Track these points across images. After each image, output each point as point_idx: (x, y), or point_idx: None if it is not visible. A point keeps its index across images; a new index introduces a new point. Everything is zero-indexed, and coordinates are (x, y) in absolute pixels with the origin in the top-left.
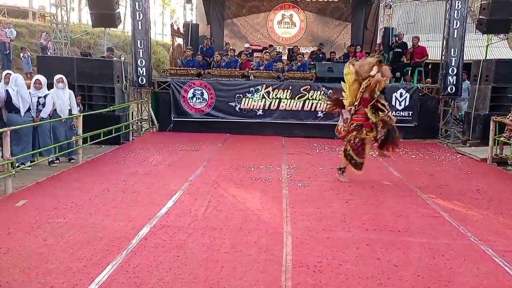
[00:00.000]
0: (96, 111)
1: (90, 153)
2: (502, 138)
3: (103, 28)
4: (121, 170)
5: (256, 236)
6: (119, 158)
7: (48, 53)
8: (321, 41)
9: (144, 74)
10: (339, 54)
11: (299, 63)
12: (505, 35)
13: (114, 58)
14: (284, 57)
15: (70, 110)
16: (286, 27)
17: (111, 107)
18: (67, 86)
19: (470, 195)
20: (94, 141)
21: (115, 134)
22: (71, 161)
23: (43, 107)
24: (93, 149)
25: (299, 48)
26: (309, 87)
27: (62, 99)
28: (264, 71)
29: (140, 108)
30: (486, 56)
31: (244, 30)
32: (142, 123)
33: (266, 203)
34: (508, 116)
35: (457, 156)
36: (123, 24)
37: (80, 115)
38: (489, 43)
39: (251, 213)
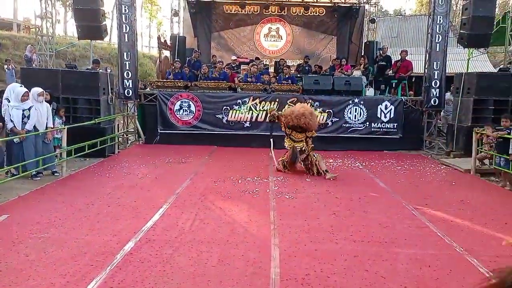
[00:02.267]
0: (81, 124)
1: (74, 166)
2: (486, 150)
3: (89, 40)
4: (106, 183)
5: (244, 249)
6: (104, 171)
7: (33, 65)
8: (307, 54)
9: (131, 86)
10: (325, 67)
11: (286, 76)
12: (485, 49)
13: (100, 70)
14: (271, 70)
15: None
16: (273, 40)
17: (96, 119)
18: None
19: (455, 206)
20: (78, 154)
21: (100, 147)
22: (55, 174)
23: (28, 119)
24: (78, 162)
25: (285, 61)
26: (296, 99)
27: (41, 112)
28: (252, 83)
29: (126, 121)
30: (467, 69)
31: (231, 42)
32: (128, 135)
33: (254, 216)
34: (492, 131)
35: (441, 167)
36: (110, 36)
37: (64, 128)
38: (470, 56)
39: (239, 226)
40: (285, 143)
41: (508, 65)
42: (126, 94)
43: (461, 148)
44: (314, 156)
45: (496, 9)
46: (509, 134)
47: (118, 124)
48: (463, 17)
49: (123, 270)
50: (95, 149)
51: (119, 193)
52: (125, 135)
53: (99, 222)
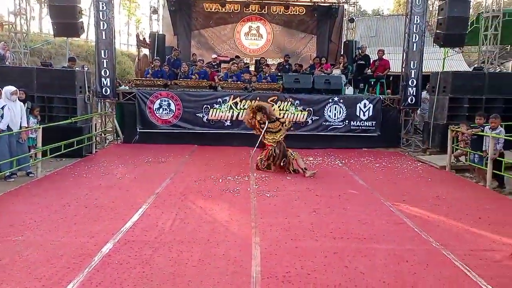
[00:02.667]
0: (57, 123)
1: (50, 167)
2: (461, 147)
3: (65, 38)
4: (83, 184)
5: (225, 248)
6: (81, 171)
7: (7, 63)
8: (288, 53)
9: (108, 84)
10: (305, 66)
11: (266, 74)
12: (460, 49)
13: (76, 68)
14: (252, 68)
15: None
16: (253, 39)
17: (72, 118)
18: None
19: (431, 202)
20: (54, 154)
21: (77, 147)
22: (30, 175)
23: (1, 119)
24: (54, 163)
25: (266, 60)
26: (276, 98)
27: (14, 111)
28: (232, 82)
29: (104, 120)
30: (443, 68)
31: (212, 41)
32: (106, 135)
33: (235, 215)
34: (466, 128)
35: (418, 164)
36: (87, 33)
37: (39, 127)
38: (446, 56)
39: (219, 225)
40: (266, 140)
41: (482, 65)
42: (104, 93)
43: (437, 145)
44: (291, 154)
45: (470, 10)
46: (482, 131)
47: (95, 123)
48: (439, 17)
49: (101, 272)
50: (71, 149)
51: (96, 194)
52: (103, 135)
53: (76, 223)
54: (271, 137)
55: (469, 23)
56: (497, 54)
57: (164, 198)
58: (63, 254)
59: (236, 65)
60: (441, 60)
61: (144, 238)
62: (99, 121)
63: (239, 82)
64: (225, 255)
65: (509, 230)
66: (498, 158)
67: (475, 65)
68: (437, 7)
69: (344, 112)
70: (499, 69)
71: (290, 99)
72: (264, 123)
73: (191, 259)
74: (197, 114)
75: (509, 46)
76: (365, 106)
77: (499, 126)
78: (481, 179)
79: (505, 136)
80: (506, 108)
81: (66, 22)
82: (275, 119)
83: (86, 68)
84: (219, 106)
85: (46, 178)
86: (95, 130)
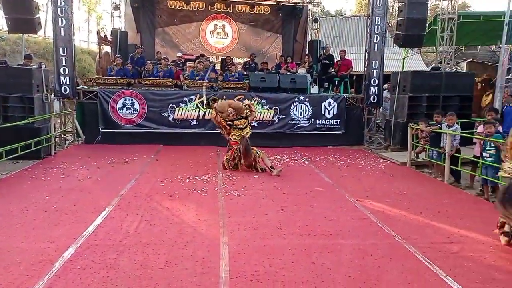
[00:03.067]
0: (13, 123)
1: (6, 170)
2: (421, 144)
3: (21, 34)
4: (42, 187)
5: (192, 249)
6: (39, 174)
7: None
8: (254, 51)
9: (68, 83)
10: (271, 65)
11: (232, 73)
12: (419, 49)
13: (33, 66)
14: (217, 67)
15: None
16: (219, 37)
17: (29, 118)
18: None
19: (393, 197)
20: (10, 156)
21: (35, 148)
22: None
23: None
24: (10, 165)
25: (232, 59)
26: (243, 96)
27: None
28: (198, 80)
29: (63, 120)
30: (403, 68)
31: (176, 39)
32: (66, 135)
33: (202, 215)
34: (425, 125)
35: (381, 161)
36: (44, 30)
37: None
38: (406, 56)
39: (187, 226)
40: (232, 137)
41: (439, 64)
42: (63, 92)
43: (398, 143)
44: (257, 153)
45: (428, 12)
46: (440, 128)
47: (54, 124)
48: (398, 19)
49: (62, 279)
50: (28, 150)
51: (56, 197)
52: (62, 135)
53: (35, 228)
54: (237, 133)
55: (427, 25)
56: (453, 54)
57: (129, 200)
58: (22, 261)
59: (202, 64)
60: (401, 60)
61: (108, 242)
62: (58, 121)
63: (205, 81)
64: (193, 256)
65: (466, 222)
66: (455, 154)
67: (433, 65)
68: (397, 9)
69: (310, 111)
70: (455, 69)
71: (257, 98)
72: (232, 121)
73: (157, 262)
74: (163, 114)
75: (464, 47)
76: (330, 105)
77: (455, 124)
78: (439, 174)
79: (461, 133)
80: (462, 106)
81: (22, 17)
82: (241, 117)
83: (44, 66)
84: (185, 105)
85: (2, 181)
86: (54, 131)
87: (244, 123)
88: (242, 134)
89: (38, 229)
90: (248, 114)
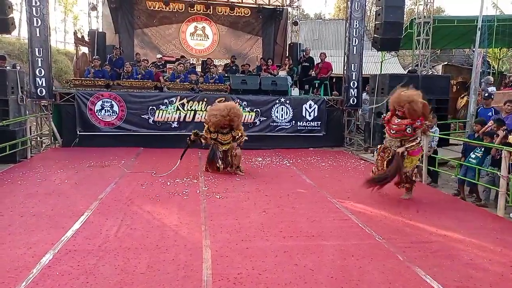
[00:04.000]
0: None
1: None
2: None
3: None
4: (18, 192)
5: (174, 253)
6: (15, 178)
7: None
8: (234, 54)
9: (44, 85)
10: (251, 67)
11: (213, 75)
12: (396, 53)
13: (7, 68)
14: (198, 69)
15: None
16: (199, 39)
17: (4, 121)
18: None
19: (373, 198)
20: None
21: (10, 152)
22: None
23: None
24: None
25: (212, 60)
26: (224, 99)
27: None
28: (179, 82)
29: (40, 122)
30: (381, 71)
31: (156, 40)
32: (43, 138)
33: (184, 218)
34: None
35: (361, 162)
36: (18, 30)
37: None
38: (383, 59)
39: (169, 229)
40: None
41: (416, 67)
42: (39, 94)
43: (378, 144)
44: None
45: (404, 16)
46: None
47: (30, 126)
48: (376, 22)
49: (40, 285)
50: (3, 154)
51: (33, 202)
52: (38, 138)
53: (11, 234)
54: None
55: (404, 29)
56: (429, 57)
57: (108, 203)
58: None
59: (182, 65)
60: (378, 63)
61: (87, 247)
62: (34, 123)
63: (186, 83)
64: (175, 260)
65: (444, 222)
66: (432, 155)
67: (410, 68)
68: (374, 13)
69: (291, 113)
70: (431, 72)
71: (238, 100)
72: (216, 133)
73: (138, 266)
74: (143, 116)
75: (439, 50)
76: (310, 107)
77: (435, 125)
78: (417, 174)
79: (439, 135)
80: (438, 108)
81: None
82: (226, 132)
83: (18, 67)
84: (165, 108)
85: None
86: (30, 134)
87: (229, 139)
88: (222, 148)
89: (14, 234)
90: (237, 137)
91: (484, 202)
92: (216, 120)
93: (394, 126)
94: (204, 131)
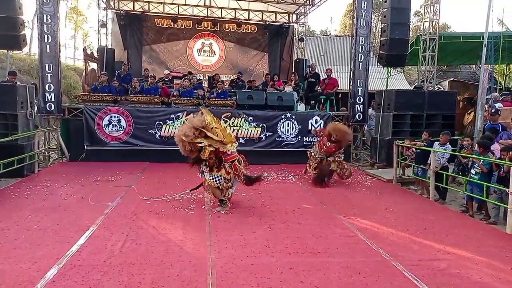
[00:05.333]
0: None
1: None
2: (408, 161)
3: (6, 51)
4: (25, 206)
5: (179, 268)
6: (22, 192)
7: None
8: (240, 69)
9: (53, 100)
10: (257, 83)
11: (219, 91)
12: (402, 68)
13: (18, 83)
14: (205, 85)
15: None
16: (206, 55)
17: (13, 135)
18: None
19: (380, 214)
20: None
21: (18, 166)
22: None
23: None
24: None
25: (219, 76)
26: (230, 114)
27: None
28: (185, 97)
29: (48, 137)
30: (387, 87)
31: (164, 56)
32: (50, 152)
33: (189, 233)
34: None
35: (367, 178)
36: (29, 46)
37: None
38: (389, 75)
39: (173, 245)
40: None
41: (422, 83)
42: (48, 109)
43: (384, 160)
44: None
45: (410, 33)
46: (426, 146)
47: (38, 141)
48: (381, 39)
49: None
50: (11, 168)
51: (39, 216)
52: (46, 153)
53: (16, 248)
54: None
55: (409, 45)
56: (435, 73)
57: (114, 218)
58: (2, 283)
59: (189, 81)
60: (384, 79)
61: (92, 262)
62: (42, 138)
63: (192, 98)
64: (179, 276)
65: (451, 239)
66: (440, 171)
67: (416, 84)
68: (380, 29)
69: (297, 128)
70: (437, 88)
71: (244, 115)
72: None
73: (143, 282)
74: (149, 131)
75: (445, 66)
76: (316, 122)
77: (447, 143)
78: (424, 191)
79: (450, 151)
80: (445, 123)
81: (7, 34)
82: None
83: (31, 82)
84: (172, 122)
85: None
86: (38, 148)
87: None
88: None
89: (20, 249)
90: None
91: (493, 220)
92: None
93: (325, 147)
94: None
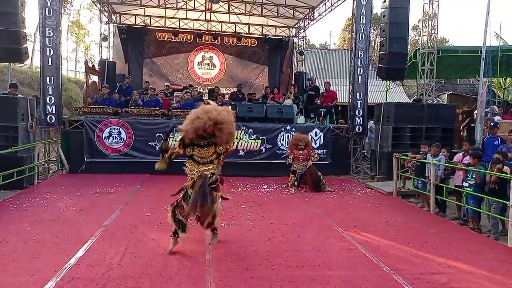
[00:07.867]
0: None
1: None
2: (408, 174)
3: (7, 63)
4: (23, 218)
5: (177, 281)
6: (21, 204)
7: None
8: (240, 82)
9: (54, 112)
10: (257, 95)
11: (220, 103)
12: (401, 82)
13: (19, 95)
14: (205, 97)
15: None
16: (207, 68)
17: (13, 148)
18: None
19: (381, 227)
20: None
21: (17, 178)
22: None
23: None
24: None
25: (219, 89)
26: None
27: None
28: (186, 110)
29: (48, 149)
30: (386, 100)
31: (164, 69)
32: (50, 164)
33: (188, 246)
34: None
35: (367, 191)
36: (31, 59)
37: None
38: (388, 88)
39: (172, 258)
40: (186, 168)
41: (421, 96)
42: (48, 121)
43: (384, 172)
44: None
45: (408, 47)
46: (425, 159)
47: (38, 153)
48: (380, 53)
49: None
50: (11, 180)
51: (38, 228)
52: (46, 164)
53: (14, 261)
54: (191, 165)
55: (408, 59)
56: (434, 87)
57: (113, 231)
58: None
59: (189, 94)
60: (384, 92)
61: (90, 275)
62: (42, 150)
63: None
64: None
65: (452, 252)
66: (440, 184)
67: (415, 97)
68: (378, 43)
69: None
70: (436, 101)
71: (244, 128)
72: (192, 148)
73: None
74: (149, 143)
75: (444, 80)
76: (316, 135)
77: (440, 154)
78: (424, 203)
79: (444, 163)
80: (444, 136)
81: (9, 47)
82: (208, 142)
83: (32, 95)
84: (172, 135)
85: None
86: (38, 160)
87: (208, 157)
88: (197, 169)
89: (18, 261)
90: (222, 152)
91: (494, 237)
92: (198, 125)
93: (300, 157)
94: (176, 142)
